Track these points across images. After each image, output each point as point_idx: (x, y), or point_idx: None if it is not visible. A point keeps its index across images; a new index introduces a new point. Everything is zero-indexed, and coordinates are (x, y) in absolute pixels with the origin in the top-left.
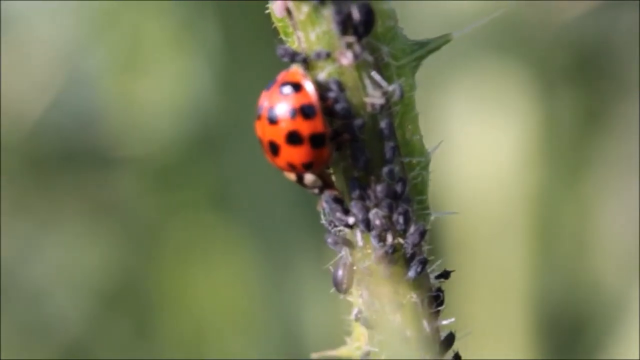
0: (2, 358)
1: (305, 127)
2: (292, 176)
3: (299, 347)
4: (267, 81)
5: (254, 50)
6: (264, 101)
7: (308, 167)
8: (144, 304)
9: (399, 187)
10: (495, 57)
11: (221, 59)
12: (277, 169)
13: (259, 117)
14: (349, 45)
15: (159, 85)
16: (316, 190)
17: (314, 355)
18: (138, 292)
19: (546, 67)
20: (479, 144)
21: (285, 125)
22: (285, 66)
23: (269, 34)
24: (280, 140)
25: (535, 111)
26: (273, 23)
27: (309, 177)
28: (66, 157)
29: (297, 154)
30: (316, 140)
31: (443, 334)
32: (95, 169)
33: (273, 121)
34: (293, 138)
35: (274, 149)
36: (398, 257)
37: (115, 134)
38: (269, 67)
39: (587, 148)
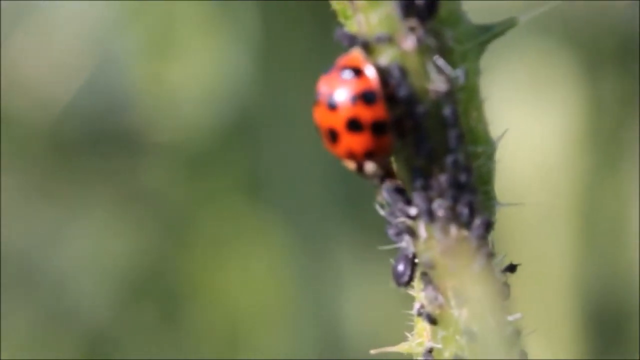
0: (28, 345)
1: (366, 114)
2: (351, 165)
3: (336, 339)
4: (306, 65)
5: (293, 33)
6: (323, 86)
7: (369, 155)
8: (174, 293)
9: (463, 177)
10: (539, 41)
11: (259, 41)
12: (330, 157)
13: (317, 103)
14: (412, 29)
15: (193, 69)
16: (376, 181)
17: (372, 351)
18: (167, 281)
19: (591, 52)
20: (524, 129)
21: (345, 112)
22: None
23: (310, 15)
24: (340, 127)
25: (580, 96)
26: (330, 5)
27: (369, 167)
28: (96, 142)
29: (357, 142)
30: (378, 128)
31: (508, 330)
32: (126, 154)
33: (332, 107)
34: (353, 125)
35: (333, 136)
36: (463, 250)
37: (147, 119)
38: (309, 50)
39: (632, 133)
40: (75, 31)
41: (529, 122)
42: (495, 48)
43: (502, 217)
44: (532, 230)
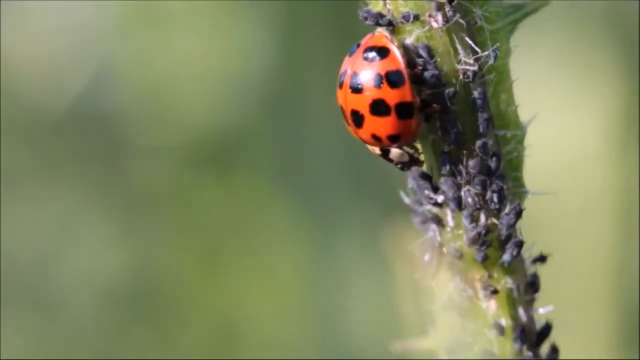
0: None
1: (392, 96)
2: (376, 150)
3: (341, 337)
4: (331, 55)
5: (317, 15)
6: (347, 67)
7: (394, 139)
8: (171, 303)
9: (493, 163)
10: (576, 20)
11: (281, 25)
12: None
13: (340, 85)
14: (440, 7)
15: (212, 57)
16: (403, 166)
17: (396, 346)
18: (165, 292)
19: (632, 33)
20: (559, 114)
21: (370, 94)
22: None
23: None
24: (364, 110)
25: (618, 79)
26: None
27: (395, 152)
28: (95, 147)
29: (382, 125)
30: (404, 111)
31: (540, 324)
32: (130, 157)
33: (357, 89)
34: (379, 108)
35: (358, 119)
36: (492, 239)
37: (155, 119)
38: (333, 33)
39: None
40: (75, 32)
41: (564, 106)
42: (527, 26)
43: (534, 205)
44: (565, 219)
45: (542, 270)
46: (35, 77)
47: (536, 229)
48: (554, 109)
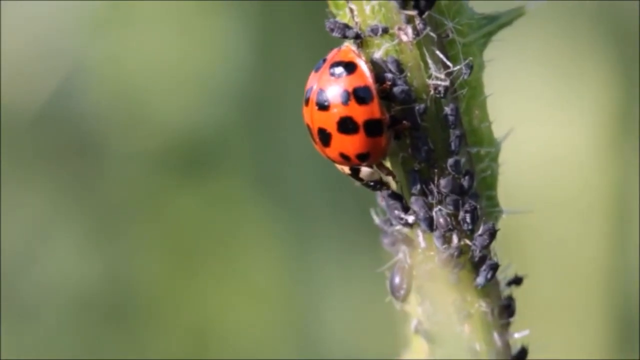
0: None
1: (359, 113)
2: (345, 169)
3: (316, 346)
4: (309, 58)
5: (294, 19)
6: (313, 83)
7: (363, 158)
8: (145, 308)
9: (465, 182)
10: (570, 30)
11: (257, 31)
12: (326, 161)
13: (306, 102)
14: (410, 20)
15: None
16: (372, 185)
17: None
18: (139, 299)
19: (625, 42)
20: (552, 123)
21: (337, 111)
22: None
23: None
24: (331, 127)
25: (610, 94)
26: None
27: (365, 170)
28: (69, 151)
29: (350, 144)
30: (372, 128)
31: (515, 349)
32: (104, 163)
33: (323, 106)
34: (346, 125)
35: (325, 137)
36: (465, 261)
37: (129, 124)
38: (313, 42)
39: None
40: (48, 31)
41: (559, 116)
42: (520, 36)
43: (525, 222)
44: (555, 227)
45: (536, 280)
46: (7, 77)
47: (526, 238)
48: (542, 119)
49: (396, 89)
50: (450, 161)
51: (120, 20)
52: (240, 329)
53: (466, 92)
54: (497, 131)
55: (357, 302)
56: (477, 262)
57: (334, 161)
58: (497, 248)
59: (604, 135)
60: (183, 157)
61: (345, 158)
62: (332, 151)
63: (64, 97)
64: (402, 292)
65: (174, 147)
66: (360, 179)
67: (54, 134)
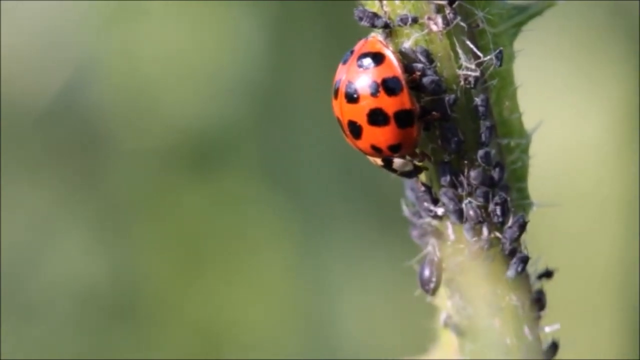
0: None
1: (389, 104)
2: (378, 161)
3: (329, 342)
4: (321, 54)
5: (307, 15)
6: (341, 75)
7: (395, 149)
8: (154, 304)
9: (496, 173)
10: (590, 24)
11: (269, 24)
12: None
13: (335, 95)
14: (440, 9)
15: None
16: (406, 176)
17: None
18: (146, 298)
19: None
20: (570, 117)
21: (366, 103)
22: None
23: None
24: (361, 120)
25: (629, 91)
26: None
27: (398, 161)
28: (77, 148)
29: (382, 135)
30: (403, 119)
31: (545, 343)
32: (113, 158)
33: (352, 98)
34: (376, 117)
35: (355, 130)
36: (495, 254)
37: (139, 121)
38: (325, 38)
39: None
40: (57, 27)
41: (571, 110)
42: (533, 29)
43: (540, 216)
44: (574, 225)
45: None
46: (14, 71)
47: (544, 236)
48: (561, 112)
49: (426, 80)
50: (481, 153)
51: (130, 15)
52: (249, 327)
53: (497, 83)
54: (527, 123)
55: (369, 300)
56: (508, 255)
57: (365, 153)
58: (527, 241)
59: (623, 129)
60: (192, 153)
61: (376, 150)
62: (364, 143)
63: (71, 92)
64: (432, 285)
65: (183, 144)
66: (394, 170)
67: (60, 129)
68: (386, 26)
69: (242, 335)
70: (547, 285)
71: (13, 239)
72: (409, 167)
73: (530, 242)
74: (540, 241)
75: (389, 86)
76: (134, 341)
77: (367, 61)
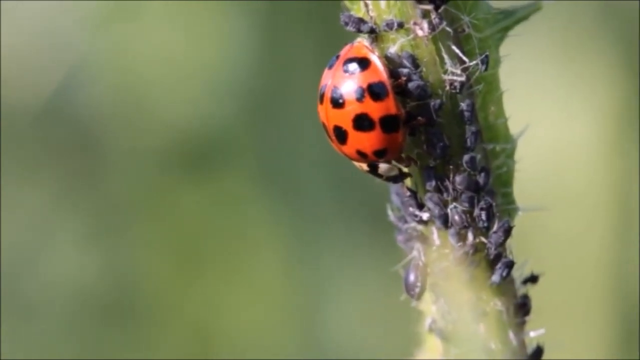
0: None
1: (375, 109)
2: (363, 166)
3: (320, 345)
4: (315, 55)
5: (300, 16)
6: (327, 80)
7: (381, 154)
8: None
9: (481, 178)
10: (578, 27)
11: (263, 25)
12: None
13: (321, 100)
14: (425, 14)
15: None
16: (392, 181)
17: None
18: (142, 298)
19: (634, 39)
20: (559, 120)
21: (352, 108)
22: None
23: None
24: (347, 125)
25: (618, 92)
26: None
27: (383, 166)
28: (80, 147)
29: (367, 140)
30: (389, 124)
31: (530, 348)
32: (109, 158)
33: (338, 104)
34: (362, 122)
35: (341, 135)
36: (480, 259)
37: (135, 120)
38: (319, 39)
39: None
40: (52, 27)
41: (561, 113)
42: (520, 34)
43: (529, 218)
44: (562, 226)
45: (542, 280)
46: (10, 72)
47: (534, 237)
48: (550, 113)
49: (411, 85)
50: (466, 158)
51: (124, 16)
52: (245, 328)
53: (482, 88)
54: (513, 127)
55: (364, 302)
56: (493, 260)
57: (351, 159)
58: (513, 246)
59: (612, 132)
60: (187, 154)
61: (362, 155)
62: (349, 149)
63: (69, 92)
64: (417, 290)
65: (179, 144)
66: (380, 175)
67: (59, 129)
68: (372, 31)
69: (238, 336)
70: (536, 287)
71: (12, 239)
72: (395, 172)
73: (519, 243)
74: (530, 242)
75: (374, 91)
76: (133, 341)
77: (353, 66)
